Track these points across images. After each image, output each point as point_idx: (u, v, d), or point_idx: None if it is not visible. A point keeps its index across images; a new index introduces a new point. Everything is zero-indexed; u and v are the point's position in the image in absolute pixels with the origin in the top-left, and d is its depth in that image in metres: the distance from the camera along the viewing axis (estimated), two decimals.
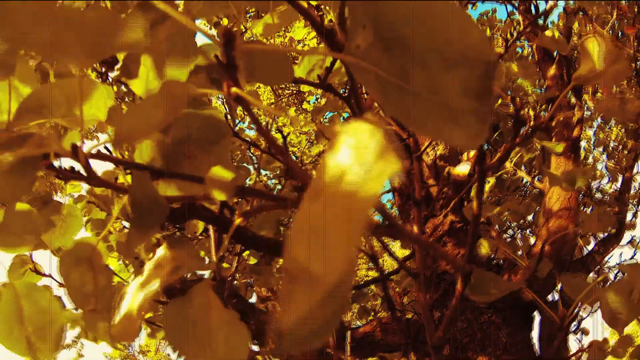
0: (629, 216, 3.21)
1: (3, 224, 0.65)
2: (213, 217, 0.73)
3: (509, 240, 3.10)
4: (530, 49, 3.50)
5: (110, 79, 2.87)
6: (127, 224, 1.86)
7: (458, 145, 0.32)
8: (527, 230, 3.21)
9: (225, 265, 1.85)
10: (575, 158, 2.35)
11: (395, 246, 4.85)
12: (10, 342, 0.56)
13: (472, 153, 1.78)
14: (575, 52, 2.76)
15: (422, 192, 1.21)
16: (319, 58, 0.70)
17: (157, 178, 0.42)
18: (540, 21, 2.45)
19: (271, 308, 2.28)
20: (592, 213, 1.71)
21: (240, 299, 2.04)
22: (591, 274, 2.67)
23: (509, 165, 2.15)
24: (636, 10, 2.65)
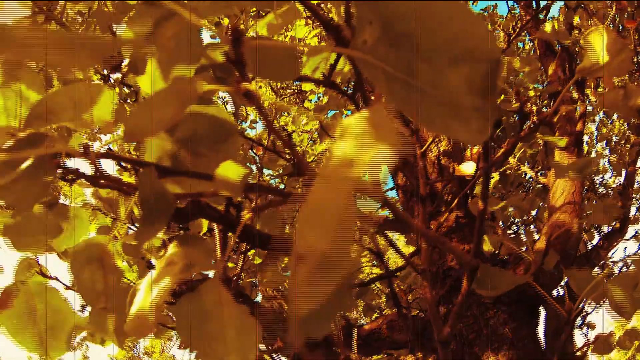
0: (632, 210, 3.20)
1: (16, 226, 0.66)
2: (219, 216, 0.73)
3: (512, 236, 3.10)
4: (531, 44, 3.50)
5: (112, 81, 2.88)
6: (132, 227, 1.87)
7: (463, 141, 0.32)
8: (531, 226, 3.21)
9: (230, 264, 1.85)
10: (578, 152, 2.35)
11: (400, 243, 4.85)
12: (22, 338, 0.56)
13: (476, 149, 1.78)
14: (577, 46, 2.75)
15: (426, 188, 1.21)
16: (323, 55, 0.70)
17: (165, 176, 0.42)
18: (542, 16, 2.44)
19: (277, 307, 2.28)
20: (599, 205, 1.71)
21: (245, 298, 2.04)
22: (596, 269, 2.67)
23: (512, 160, 2.15)
24: (636, 4, 2.65)
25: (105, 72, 2.59)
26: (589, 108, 3.04)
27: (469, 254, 0.82)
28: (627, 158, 3.22)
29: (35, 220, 0.63)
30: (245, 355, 0.32)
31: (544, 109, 3.09)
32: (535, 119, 0.86)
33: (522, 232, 3.37)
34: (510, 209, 2.85)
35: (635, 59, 2.75)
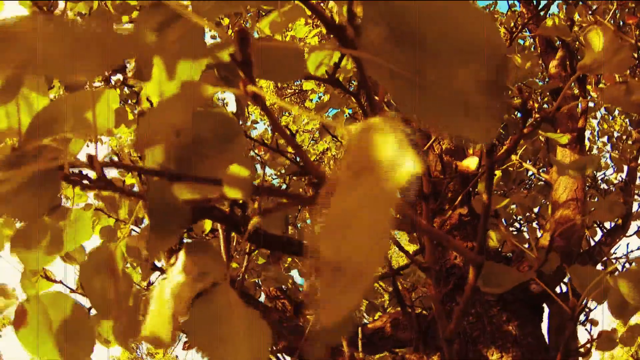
0: (634, 206, 3.20)
1: (22, 237, 0.66)
2: (224, 217, 0.73)
3: (515, 233, 3.10)
4: (532, 41, 3.49)
5: (113, 82, 2.88)
6: (136, 229, 1.87)
7: (471, 140, 0.32)
8: (534, 223, 3.21)
9: (234, 265, 1.85)
10: (580, 149, 2.35)
11: (401, 242, 4.86)
12: (43, 352, 0.56)
13: (478, 146, 1.78)
14: (577, 43, 2.75)
15: (429, 186, 1.21)
16: (326, 54, 0.70)
17: (173, 182, 0.42)
18: (542, 13, 2.44)
19: (281, 307, 2.28)
20: (603, 201, 1.71)
21: (250, 298, 2.04)
22: (599, 266, 2.67)
23: (514, 157, 2.15)
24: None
25: (106, 73, 2.59)
26: (590, 104, 3.04)
27: (474, 250, 0.82)
28: (628, 154, 3.22)
29: (40, 229, 0.62)
30: (256, 358, 0.32)
31: (544, 105, 3.08)
32: (537, 115, 0.85)
33: (525, 229, 3.37)
34: (513, 206, 2.85)
35: (635, 55, 2.75)
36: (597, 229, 2.88)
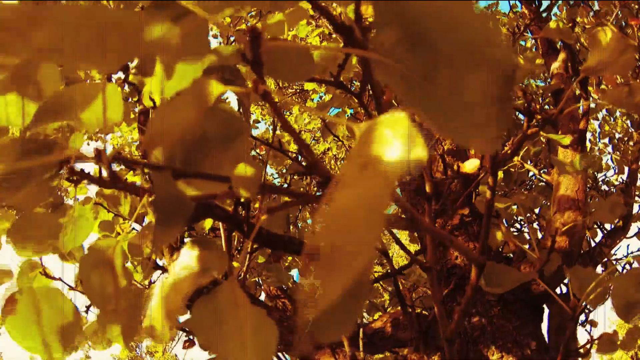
0: (635, 208, 3.20)
1: (19, 228, 0.66)
2: (227, 216, 0.73)
3: (516, 234, 3.10)
4: (534, 42, 3.49)
5: (114, 80, 2.87)
6: (137, 226, 1.86)
7: (476, 149, 0.32)
8: (535, 224, 3.21)
9: (235, 264, 1.85)
10: (581, 150, 2.35)
11: (403, 241, 4.86)
12: (27, 342, 0.56)
13: None
14: (578, 44, 2.75)
15: (431, 186, 1.21)
16: (331, 55, 0.70)
17: (179, 178, 0.42)
18: (544, 14, 2.44)
19: (281, 306, 2.28)
20: (604, 202, 1.71)
21: (251, 297, 2.04)
22: (599, 267, 2.67)
23: (516, 158, 2.15)
24: None
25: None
26: (592, 105, 3.04)
27: (476, 250, 0.82)
28: (630, 156, 3.22)
29: (37, 221, 0.62)
30: (262, 356, 0.33)
31: (546, 107, 3.08)
32: (539, 117, 0.85)
33: (526, 229, 3.37)
34: (514, 206, 2.85)
35: (638, 57, 2.75)
36: (598, 230, 2.88)
